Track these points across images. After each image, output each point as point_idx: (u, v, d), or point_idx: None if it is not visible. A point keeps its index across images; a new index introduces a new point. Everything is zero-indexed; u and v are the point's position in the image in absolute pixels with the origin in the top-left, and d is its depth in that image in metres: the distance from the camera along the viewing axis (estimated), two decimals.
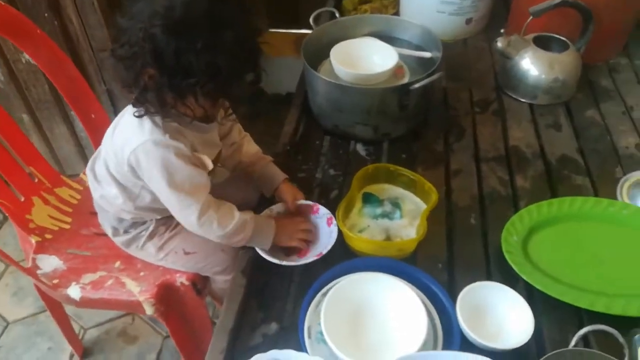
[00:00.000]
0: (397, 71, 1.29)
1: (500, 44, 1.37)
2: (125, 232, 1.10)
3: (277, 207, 1.07)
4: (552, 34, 1.39)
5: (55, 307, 1.35)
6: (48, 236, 1.23)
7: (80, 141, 1.91)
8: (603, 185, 1.13)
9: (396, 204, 1.07)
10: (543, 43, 1.37)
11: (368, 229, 1.03)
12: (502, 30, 1.42)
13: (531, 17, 1.33)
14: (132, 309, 1.12)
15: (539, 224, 1.02)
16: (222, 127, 1.07)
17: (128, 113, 0.91)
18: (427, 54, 1.32)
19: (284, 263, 0.95)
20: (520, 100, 1.40)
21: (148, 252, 1.11)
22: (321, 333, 0.80)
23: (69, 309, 1.49)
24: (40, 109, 1.77)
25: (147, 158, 0.89)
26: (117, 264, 1.16)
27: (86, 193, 1.22)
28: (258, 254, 0.96)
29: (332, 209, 1.02)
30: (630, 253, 0.98)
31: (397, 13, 1.68)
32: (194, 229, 0.95)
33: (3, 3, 1.17)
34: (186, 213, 0.93)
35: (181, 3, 0.78)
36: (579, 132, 1.30)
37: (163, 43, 0.77)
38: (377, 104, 1.19)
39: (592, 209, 1.04)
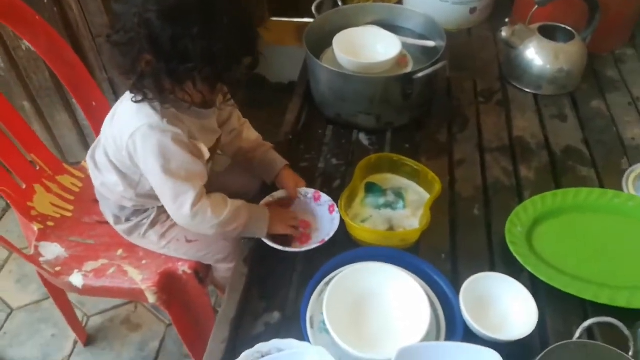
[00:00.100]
0: (400, 60, 1.28)
1: (504, 33, 1.36)
2: (127, 220, 1.09)
3: (278, 194, 1.06)
4: (557, 24, 1.37)
5: (58, 294, 1.35)
6: (50, 224, 1.22)
7: (82, 129, 1.90)
8: (608, 177, 1.12)
9: (399, 194, 1.06)
10: (548, 33, 1.35)
11: (371, 219, 1.02)
12: (506, 20, 1.40)
13: (536, 6, 1.31)
14: (134, 297, 1.12)
15: (544, 215, 1.01)
16: (221, 114, 1.07)
17: (126, 99, 0.90)
18: (431, 43, 1.31)
19: (287, 249, 0.95)
20: (524, 91, 1.39)
21: (150, 240, 1.10)
22: (323, 322, 0.79)
23: (72, 297, 1.49)
24: (41, 96, 1.76)
25: (144, 142, 0.88)
26: (120, 252, 1.16)
27: (88, 181, 1.21)
28: (260, 242, 0.96)
29: (335, 198, 1.01)
30: (636, 245, 0.97)
31: (400, 2, 1.66)
32: (186, 220, 0.92)
33: None
34: (180, 201, 0.91)
35: None
36: (584, 123, 1.28)
37: (158, 29, 0.77)
38: (380, 93, 1.18)
39: (598, 200, 1.03)
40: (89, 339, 1.57)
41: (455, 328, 0.82)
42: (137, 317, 1.63)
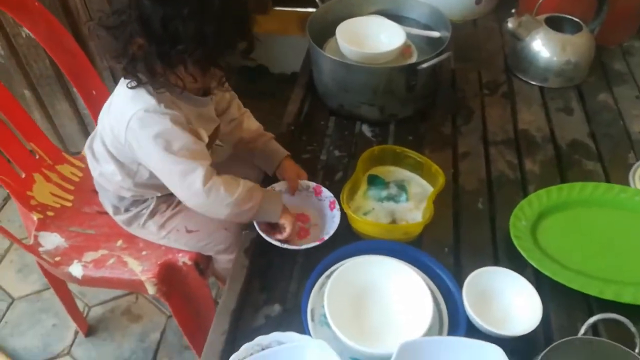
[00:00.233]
0: (404, 51, 1.26)
1: (510, 24, 1.34)
2: (126, 210, 1.08)
3: (279, 185, 1.05)
4: (564, 15, 1.35)
5: (58, 284, 1.34)
6: (50, 213, 1.21)
7: (83, 118, 1.89)
8: (615, 171, 1.11)
9: (402, 187, 1.05)
10: (555, 24, 1.33)
11: (373, 211, 1.01)
12: (513, 11, 1.38)
13: None
14: (134, 288, 1.11)
15: (549, 209, 1.00)
16: (219, 103, 1.05)
17: (122, 86, 0.89)
18: (436, 34, 1.29)
19: (286, 246, 0.93)
20: (530, 83, 1.37)
21: (149, 230, 1.09)
22: (324, 316, 0.78)
23: (73, 287, 1.49)
24: (41, 84, 1.75)
25: (142, 127, 0.86)
26: (119, 242, 1.15)
27: (88, 171, 1.19)
28: (261, 235, 0.95)
29: (337, 191, 1.00)
30: None
31: None
32: (200, 198, 0.90)
33: None
34: (190, 180, 0.88)
35: None
36: (591, 117, 1.27)
37: (149, 10, 0.76)
38: (383, 84, 1.16)
39: (604, 194, 1.02)
40: (89, 330, 1.57)
41: (458, 323, 0.81)
42: (138, 308, 1.62)
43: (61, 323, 1.58)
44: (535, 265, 0.89)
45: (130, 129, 0.87)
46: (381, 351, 0.74)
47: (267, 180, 1.09)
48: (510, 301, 0.85)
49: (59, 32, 1.24)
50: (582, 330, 0.77)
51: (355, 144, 1.20)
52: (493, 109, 1.29)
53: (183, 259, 1.10)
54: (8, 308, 1.64)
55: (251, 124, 1.12)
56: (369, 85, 1.17)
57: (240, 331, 0.85)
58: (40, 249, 1.14)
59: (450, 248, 0.97)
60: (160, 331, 1.56)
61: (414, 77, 1.15)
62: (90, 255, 1.12)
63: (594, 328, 0.82)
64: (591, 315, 0.79)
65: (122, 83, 0.89)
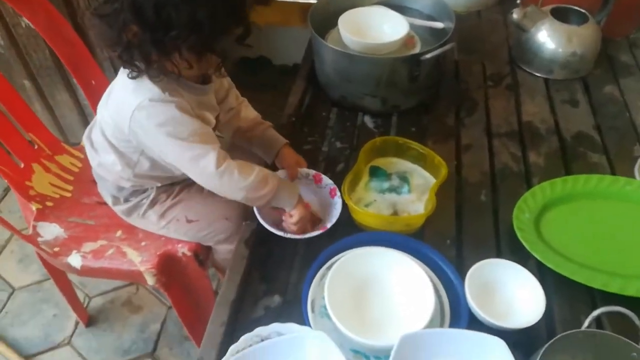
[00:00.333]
0: (407, 41, 1.24)
1: (516, 15, 1.32)
2: (126, 200, 1.08)
3: (278, 174, 1.03)
4: (570, 6, 1.33)
5: (58, 275, 1.34)
6: (49, 204, 1.21)
7: (83, 109, 1.88)
8: (620, 164, 1.09)
9: (404, 178, 1.03)
10: (561, 15, 1.31)
11: (374, 203, 1.00)
12: (518, 1, 1.36)
13: None
14: (133, 278, 1.11)
15: (553, 202, 0.99)
16: (218, 92, 1.04)
17: (122, 76, 0.89)
18: (439, 25, 1.27)
19: (288, 235, 0.93)
20: (535, 75, 1.35)
21: (149, 220, 1.09)
22: (325, 307, 0.78)
23: (73, 278, 1.49)
24: (41, 75, 1.74)
25: (149, 116, 0.86)
26: (119, 233, 1.14)
27: (88, 161, 1.19)
28: (262, 225, 0.94)
29: (338, 182, 0.99)
30: None
31: None
32: (214, 181, 0.90)
33: None
34: (202, 164, 0.88)
35: None
36: (596, 109, 1.25)
37: None
38: (386, 75, 1.14)
39: (608, 187, 1.00)
40: (90, 320, 1.57)
41: (459, 315, 0.80)
42: (138, 299, 1.62)
43: (62, 313, 1.58)
44: (538, 258, 0.88)
45: (135, 119, 0.86)
46: (382, 343, 0.73)
47: (266, 168, 1.07)
48: (512, 294, 0.84)
49: (58, 22, 1.23)
50: (586, 323, 0.76)
51: (357, 136, 1.19)
52: (497, 101, 1.28)
53: (182, 250, 1.10)
54: (9, 298, 1.64)
55: (249, 112, 1.12)
56: (372, 76, 1.15)
57: (240, 322, 0.84)
58: (39, 239, 1.13)
59: (453, 240, 0.95)
60: (161, 322, 1.56)
61: (417, 68, 1.13)
62: (89, 246, 1.12)
63: (597, 321, 0.81)
64: (595, 308, 0.78)
65: (123, 73, 0.88)
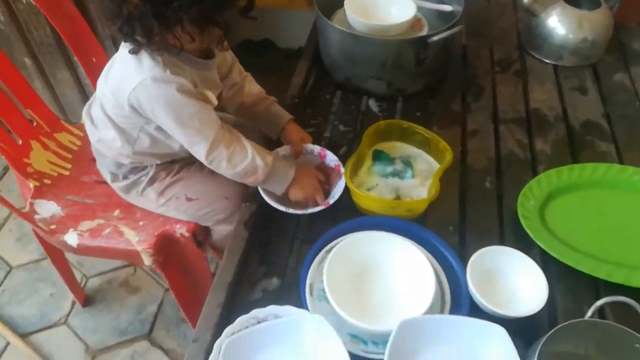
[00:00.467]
0: (414, 24, 1.22)
1: None
2: (125, 177, 1.06)
3: (283, 150, 1.03)
4: None
5: (55, 254, 1.32)
6: (47, 181, 1.19)
7: (84, 88, 1.86)
8: (629, 153, 1.07)
9: (408, 163, 1.01)
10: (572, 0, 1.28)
11: (377, 187, 0.98)
12: None
13: None
14: (130, 258, 1.09)
15: (559, 190, 0.97)
16: (221, 67, 1.03)
17: (123, 51, 0.87)
18: (448, 7, 1.24)
19: (290, 211, 0.92)
20: (544, 61, 1.33)
21: (148, 198, 1.07)
22: (323, 291, 0.76)
23: (71, 257, 1.48)
24: (42, 52, 1.71)
25: (149, 96, 0.85)
26: (116, 212, 1.13)
27: (87, 140, 1.18)
28: (262, 206, 0.93)
29: None
30: None
31: None
32: (205, 163, 0.94)
33: None
34: (194, 150, 0.92)
35: None
36: (606, 97, 1.22)
37: None
38: (392, 57, 1.12)
39: (616, 176, 0.98)
40: (87, 300, 1.56)
41: (460, 302, 0.79)
42: (136, 280, 1.61)
43: (59, 292, 1.58)
44: (542, 246, 0.86)
45: (135, 95, 0.86)
46: (380, 328, 0.72)
47: (271, 144, 1.06)
48: (515, 282, 0.82)
49: None
50: (589, 313, 0.74)
51: (361, 120, 1.17)
52: (504, 87, 1.25)
53: (181, 230, 1.08)
54: (6, 276, 1.63)
55: (253, 87, 1.10)
56: (378, 58, 1.13)
57: (237, 304, 0.83)
58: (36, 217, 1.12)
59: (456, 226, 0.94)
60: (158, 304, 1.55)
61: (424, 51, 1.11)
62: (86, 224, 1.10)
63: (600, 312, 0.80)
64: (598, 299, 0.77)
65: (124, 47, 0.87)
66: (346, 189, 0.93)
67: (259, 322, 0.74)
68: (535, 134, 1.13)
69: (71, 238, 1.08)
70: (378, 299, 0.80)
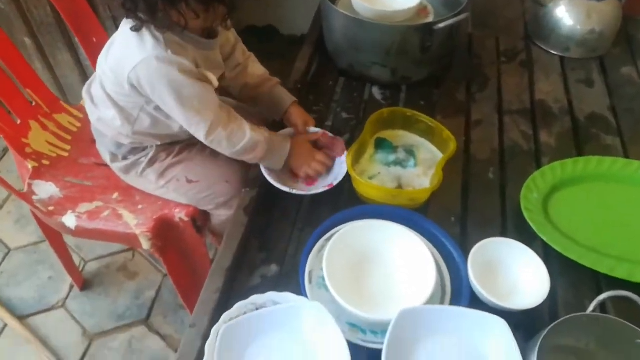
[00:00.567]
0: (420, 11, 1.20)
1: None
2: (124, 158, 1.05)
3: (285, 132, 1.02)
4: None
5: (54, 237, 1.32)
6: (45, 162, 1.18)
7: (85, 70, 1.84)
8: (635, 147, 1.06)
9: (411, 152, 1.00)
10: None
11: (379, 176, 0.97)
12: None
13: None
14: (128, 242, 1.08)
15: (563, 183, 0.96)
16: (224, 47, 1.02)
17: (124, 28, 0.86)
18: None
19: (293, 192, 0.91)
20: (550, 52, 1.31)
21: (148, 179, 1.06)
22: (323, 278, 0.75)
23: (70, 240, 1.47)
24: (42, 33, 1.69)
25: (150, 75, 0.84)
26: (115, 195, 1.12)
27: (87, 121, 1.17)
28: (263, 192, 0.91)
29: None
30: None
31: None
32: (205, 143, 0.94)
33: None
34: (194, 130, 0.91)
35: None
36: (613, 90, 1.21)
37: None
38: (397, 44, 1.10)
39: (621, 170, 0.97)
40: (85, 284, 1.56)
41: (461, 294, 0.78)
42: (134, 265, 1.61)
43: (57, 276, 1.57)
44: (545, 240, 0.85)
45: (136, 73, 0.85)
46: (380, 317, 0.71)
47: (274, 126, 1.05)
48: (516, 274, 0.81)
49: None
50: (591, 307, 0.74)
51: (364, 107, 1.16)
52: (510, 78, 1.24)
53: (180, 215, 1.07)
54: (4, 258, 1.63)
55: (256, 68, 1.09)
56: (382, 45, 1.11)
57: (235, 290, 0.82)
58: (34, 197, 1.11)
59: (458, 217, 0.93)
60: (156, 289, 1.55)
61: (429, 38, 1.09)
62: (84, 207, 1.09)
63: (602, 307, 0.79)
64: (600, 293, 0.76)
65: (125, 24, 0.86)
66: (348, 177, 0.92)
67: (257, 309, 0.74)
68: (540, 126, 1.11)
69: (69, 220, 1.07)
70: (378, 288, 0.79)
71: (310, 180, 0.97)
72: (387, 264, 0.81)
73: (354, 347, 0.69)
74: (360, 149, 0.97)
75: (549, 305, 0.79)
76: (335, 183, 0.92)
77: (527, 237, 0.86)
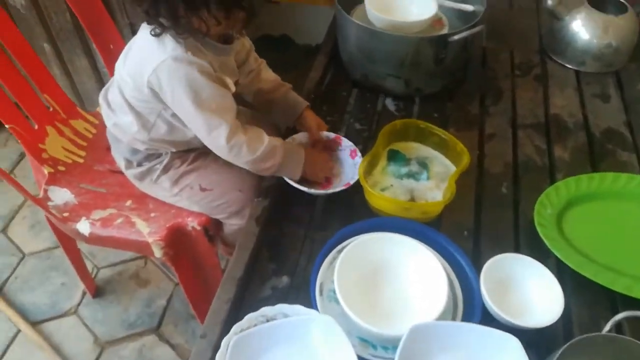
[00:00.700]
0: (435, 23, 1.20)
1: (550, 1, 1.27)
2: (139, 164, 1.06)
3: (299, 137, 1.03)
4: None
5: (68, 243, 1.32)
6: (61, 168, 1.19)
7: (102, 77, 1.86)
8: None
9: (424, 164, 1.00)
10: (598, 3, 1.26)
11: (391, 188, 0.97)
12: None
13: None
14: (141, 250, 1.09)
15: (577, 199, 0.95)
16: (239, 53, 1.03)
17: (144, 33, 0.87)
18: (469, 7, 1.22)
19: (312, 191, 0.92)
20: (565, 66, 1.30)
21: (162, 186, 1.07)
22: (333, 291, 0.75)
23: (83, 247, 1.48)
24: (61, 39, 1.71)
25: (170, 76, 0.85)
26: (129, 202, 1.12)
27: (102, 127, 1.18)
28: (275, 202, 0.92)
29: None
30: None
31: None
32: (224, 152, 0.92)
33: None
34: (215, 135, 0.89)
35: None
36: (629, 105, 1.20)
37: None
38: (411, 55, 1.10)
39: (637, 187, 0.96)
40: (97, 291, 1.56)
41: (473, 310, 0.77)
42: (147, 273, 1.61)
43: (70, 282, 1.58)
44: (559, 256, 0.84)
45: (156, 75, 0.86)
46: (390, 332, 0.71)
47: (287, 131, 1.06)
48: (529, 291, 0.80)
49: None
50: (607, 327, 0.73)
51: (377, 119, 1.16)
52: (524, 91, 1.23)
53: (192, 224, 1.08)
54: (19, 263, 1.64)
55: (269, 74, 1.11)
56: (396, 56, 1.11)
57: (246, 301, 0.82)
58: (49, 203, 1.12)
59: (470, 232, 0.92)
60: (167, 298, 1.55)
61: (443, 50, 1.09)
62: (98, 213, 1.10)
63: (617, 327, 0.78)
64: (615, 313, 0.75)
65: (144, 29, 0.87)
66: (360, 188, 0.92)
67: (267, 321, 0.74)
68: (555, 141, 1.11)
69: (83, 226, 1.08)
70: (389, 303, 0.78)
71: (326, 183, 0.98)
72: (398, 277, 0.81)
73: None
74: (372, 161, 0.97)
75: (562, 324, 0.78)
76: (352, 182, 0.93)
77: (541, 253, 0.85)
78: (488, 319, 0.76)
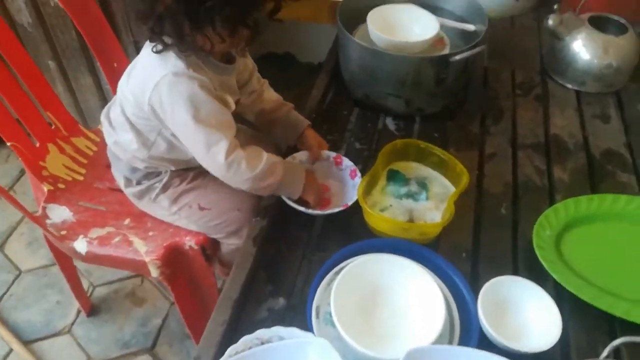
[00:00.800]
0: (436, 43, 1.21)
1: (551, 21, 1.27)
2: (138, 183, 1.06)
3: (300, 155, 1.03)
4: (609, 15, 1.28)
5: (64, 260, 1.32)
6: (61, 186, 1.20)
7: (105, 95, 1.87)
8: None
9: (423, 185, 1.00)
10: (599, 24, 1.26)
11: (390, 208, 0.96)
12: (555, 7, 1.31)
13: None
14: (137, 269, 1.09)
15: (576, 221, 0.94)
16: (242, 73, 1.04)
17: (145, 51, 0.88)
18: (471, 27, 1.23)
19: (310, 211, 0.92)
20: (566, 87, 1.30)
21: (161, 205, 1.07)
22: (330, 314, 0.74)
23: (79, 265, 1.47)
24: (67, 56, 1.73)
25: (170, 90, 0.85)
26: (127, 221, 1.12)
27: (103, 145, 1.19)
28: (273, 221, 0.92)
29: None
30: None
31: None
32: (222, 171, 0.90)
33: None
34: (214, 151, 0.88)
35: None
36: (629, 126, 1.20)
37: None
38: (412, 75, 1.11)
39: (637, 209, 0.95)
40: (92, 309, 1.55)
41: (470, 333, 0.76)
42: (143, 292, 1.60)
43: (65, 300, 1.57)
44: (557, 279, 0.83)
45: (158, 91, 0.86)
46: (387, 356, 0.70)
47: (287, 150, 1.07)
48: (527, 314, 0.79)
49: (86, 2, 1.21)
50: (605, 353, 0.71)
51: (378, 138, 1.16)
52: (524, 111, 1.23)
53: (190, 243, 1.08)
54: (14, 280, 1.63)
55: (271, 94, 1.11)
56: (397, 75, 1.12)
57: (242, 322, 0.81)
58: (47, 221, 1.12)
59: (468, 253, 0.91)
60: (163, 317, 1.53)
61: (444, 70, 1.09)
62: (96, 232, 1.10)
63: (616, 352, 0.76)
64: (614, 337, 0.74)
65: (147, 47, 0.88)
66: (359, 208, 0.92)
67: (262, 343, 0.73)
68: (554, 161, 1.10)
69: (80, 245, 1.08)
70: (385, 325, 0.77)
71: (324, 202, 0.99)
72: (395, 300, 0.80)
73: None
74: (372, 180, 0.97)
75: (560, 347, 0.77)
76: (350, 203, 0.92)
77: (539, 275, 0.85)
78: (485, 342, 0.75)
